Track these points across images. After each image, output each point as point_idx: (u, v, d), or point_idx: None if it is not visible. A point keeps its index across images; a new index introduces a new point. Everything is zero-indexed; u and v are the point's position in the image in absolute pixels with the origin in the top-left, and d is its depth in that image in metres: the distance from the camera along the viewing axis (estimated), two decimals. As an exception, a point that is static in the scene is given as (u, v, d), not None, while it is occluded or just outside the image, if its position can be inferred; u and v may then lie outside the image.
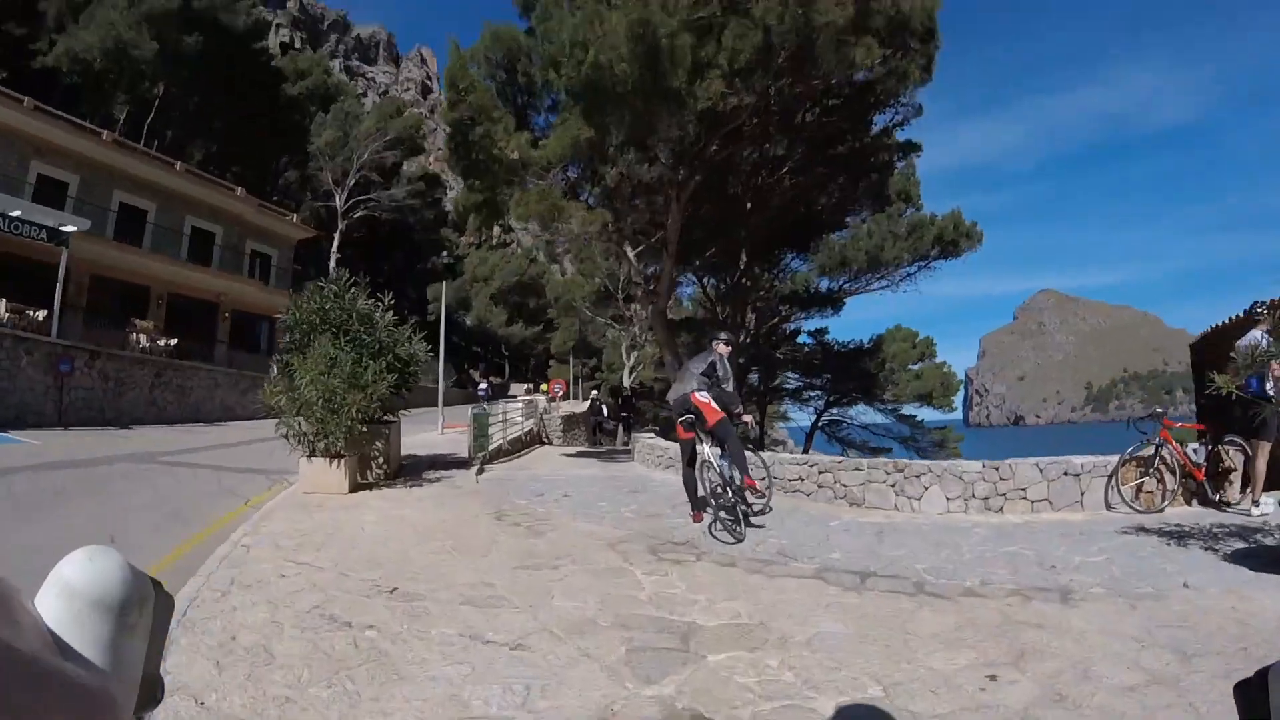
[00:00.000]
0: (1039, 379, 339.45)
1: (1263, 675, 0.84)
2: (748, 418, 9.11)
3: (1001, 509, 8.87)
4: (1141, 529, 7.76)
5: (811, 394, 36.81)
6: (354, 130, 49.71)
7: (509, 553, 6.95)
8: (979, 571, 6.11)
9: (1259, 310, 8.96)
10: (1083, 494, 9.02)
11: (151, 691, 0.70)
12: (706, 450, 8.11)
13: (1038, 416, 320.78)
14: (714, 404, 8.04)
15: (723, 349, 8.63)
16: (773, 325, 29.70)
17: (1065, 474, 9.02)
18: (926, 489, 9.14)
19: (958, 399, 37.66)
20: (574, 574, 6.16)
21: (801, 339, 33.94)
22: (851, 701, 3.66)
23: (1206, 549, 6.71)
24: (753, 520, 8.36)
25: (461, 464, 14.01)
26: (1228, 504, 8.98)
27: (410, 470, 12.95)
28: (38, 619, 0.59)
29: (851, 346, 32.83)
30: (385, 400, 11.23)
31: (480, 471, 13.39)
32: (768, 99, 13.48)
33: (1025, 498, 8.95)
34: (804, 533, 8.00)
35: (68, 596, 0.63)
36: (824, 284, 28.48)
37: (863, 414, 36.56)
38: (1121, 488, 8.93)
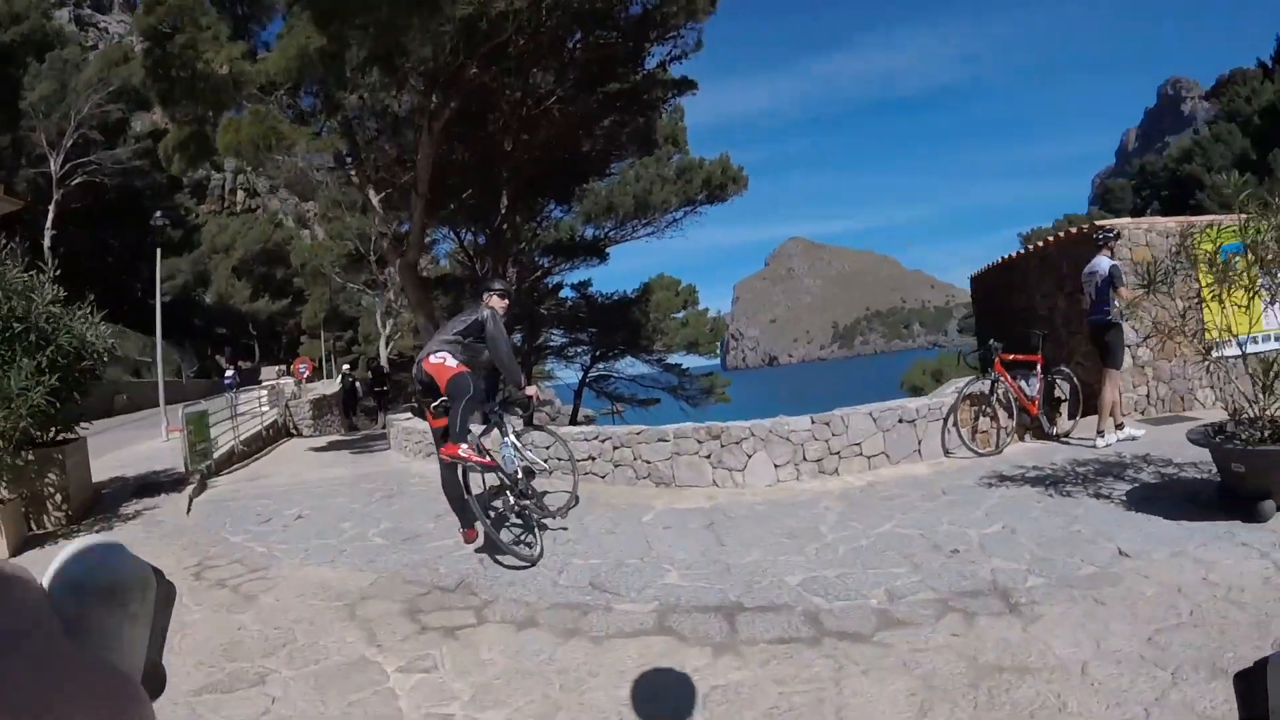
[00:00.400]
0: (790, 321, 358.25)
1: (1262, 665, 0.85)
2: (532, 390, 6.85)
3: (837, 470, 7.66)
4: (1001, 477, 6.97)
5: (578, 350, 35.89)
6: (74, 82, 41.81)
7: (196, 654, 4.32)
8: (875, 578, 4.61)
9: (1100, 236, 8.31)
10: (920, 442, 8.07)
11: (154, 680, 0.69)
12: (482, 437, 6.25)
13: (790, 356, 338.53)
14: (449, 361, 5.78)
15: (497, 303, 6.38)
16: (535, 279, 28.22)
17: (901, 421, 7.98)
18: (750, 456, 7.64)
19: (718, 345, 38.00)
20: (289, 690, 3.77)
21: (565, 293, 32.86)
22: None
23: (1093, 495, 5.93)
24: (546, 522, 6.53)
25: (180, 482, 10.73)
26: (1063, 436, 8.61)
27: (108, 503, 9.46)
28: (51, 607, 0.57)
29: (617, 298, 32.01)
30: (41, 413, 7.75)
31: (198, 492, 10.29)
32: (539, 13, 11.62)
33: (861, 453, 7.79)
34: (615, 540, 6.10)
35: (70, 586, 0.63)
36: (589, 232, 27.08)
37: (630, 366, 35.98)
38: (960, 429, 8.20)
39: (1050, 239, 11.33)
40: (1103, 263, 8.00)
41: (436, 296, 19.99)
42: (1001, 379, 8.46)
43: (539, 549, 5.63)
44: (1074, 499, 5.92)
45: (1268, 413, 5.12)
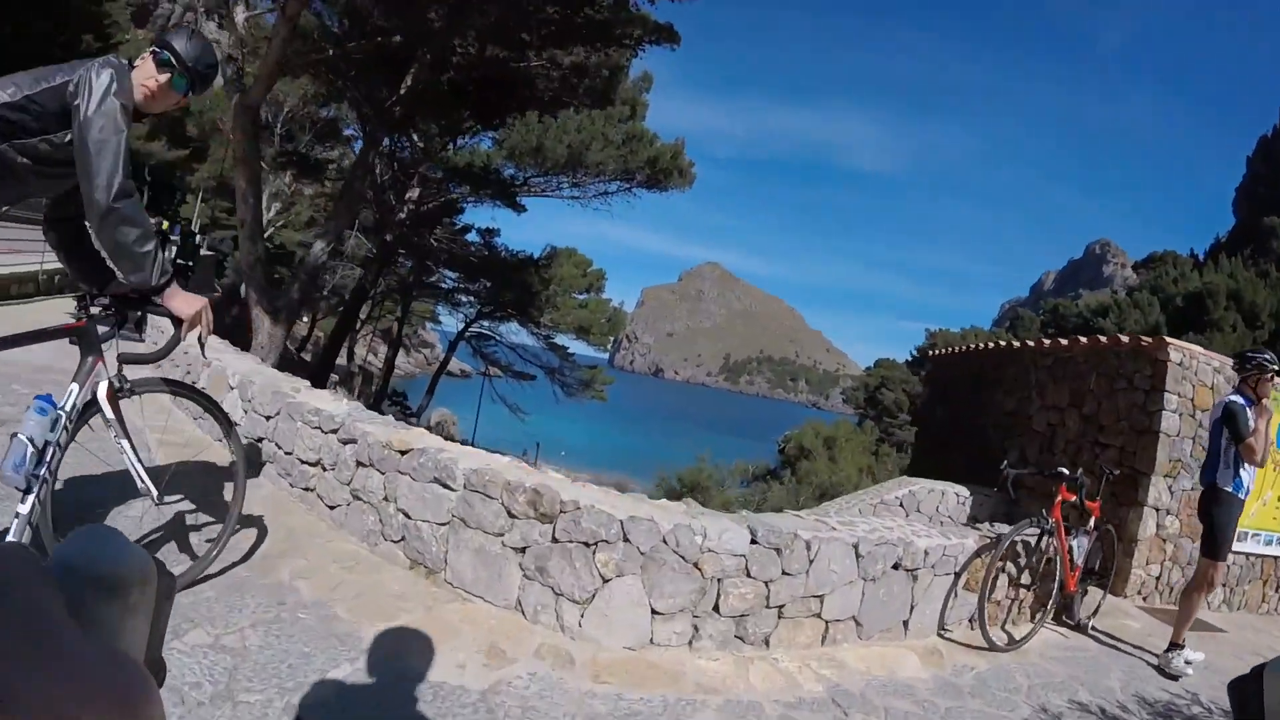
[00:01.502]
0: (686, 339, 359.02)
1: (1258, 672, 0.89)
2: (189, 306, 2.92)
3: (768, 640, 4.04)
4: (1044, 712, 4.08)
5: (466, 299, 32.94)
6: None
7: None
8: None
9: (1251, 362, 5.43)
10: (913, 608, 4.68)
11: (154, 674, 0.65)
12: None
13: (676, 373, 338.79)
14: None
15: (146, 76, 2.85)
16: (436, 206, 24.93)
17: (898, 568, 4.52)
18: (608, 581, 3.74)
19: (611, 339, 35.57)
20: None
21: (471, 237, 29.74)
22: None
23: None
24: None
25: None
26: (1091, 625, 5.80)
27: None
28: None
29: (521, 256, 29.07)
30: None
31: None
32: None
33: (818, 613, 4.21)
34: None
35: (67, 574, 0.60)
36: (508, 171, 23.32)
37: (515, 333, 33.41)
38: (968, 596, 5.00)
39: (1074, 339, 8.81)
40: (1236, 401, 5.31)
41: (297, 178, 16.50)
42: (1056, 530, 5.30)
43: None
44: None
45: None
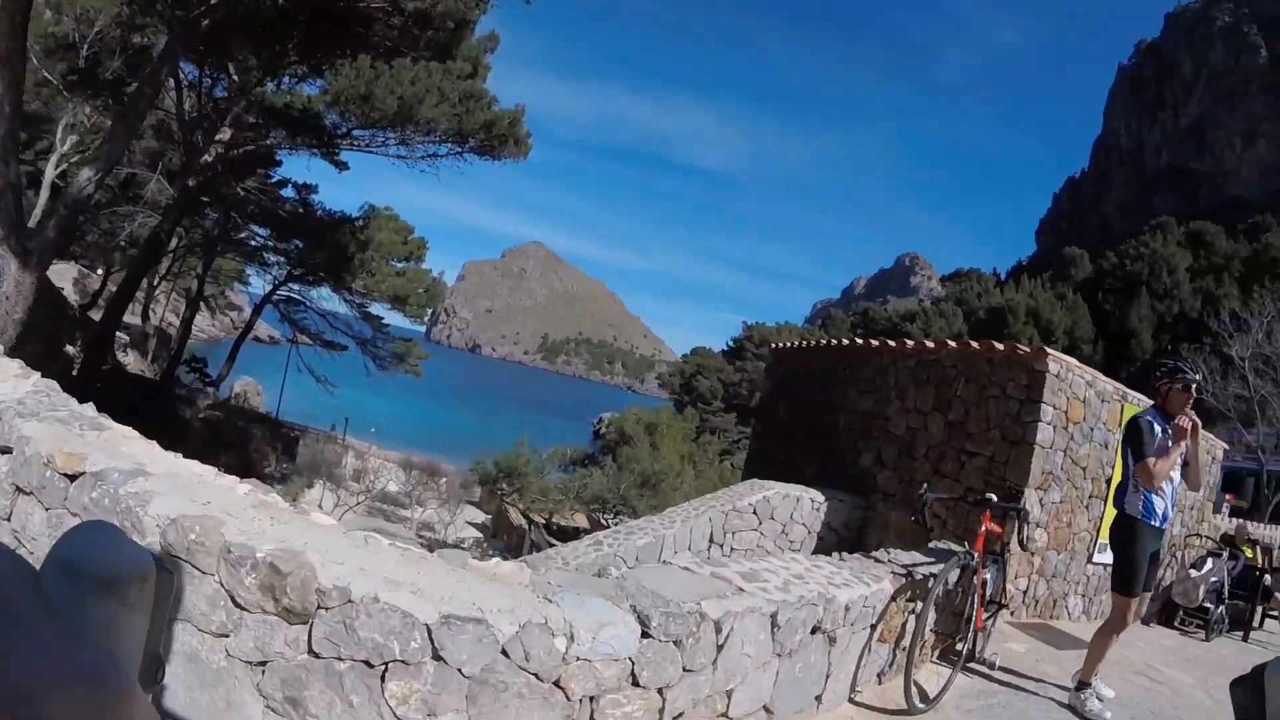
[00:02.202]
0: (506, 316, 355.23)
1: (1259, 672, 0.93)
2: None
3: None
4: None
5: (275, 259, 30.53)
6: None
7: None
8: None
9: (1174, 375, 4.74)
10: (828, 677, 3.75)
11: (153, 671, 0.68)
12: None
13: (493, 350, 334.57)
14: None
15: None
16: (253, 153, 22.58)
17: (817, 632, 3.56)
18: None
19: (428, 312, 34.11)
20: None
21: (286, 192, 27.45)
22: None
23: None
24: None
25: None
26: (987, 662, 5.05)
27: None
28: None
29: (337, 215, 27.00)
30: None
31: None
32: None
33: (725, 715, 3.12)
34: None
35: (68, 573, 0.60)
36: (331, 119, 20.62)
37: (326, 300, 31.39)
38: (880, 649, 4.22)
39: (941, 342, 8.43)
40: (1143, 416, 4.72)
41: (101, 111, 13.77)
42: (977, 563, 4.58)
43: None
44: None
45: None
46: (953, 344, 8.15)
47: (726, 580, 3.35)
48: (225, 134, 20.25)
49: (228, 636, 2.45)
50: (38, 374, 4.13)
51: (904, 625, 4.30)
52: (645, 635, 2.67)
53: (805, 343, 11.53)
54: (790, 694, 3.52)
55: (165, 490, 2.75)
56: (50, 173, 26.80)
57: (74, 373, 19.92)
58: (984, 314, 45.63)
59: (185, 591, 2.48)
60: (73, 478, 2.83)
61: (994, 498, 4.93)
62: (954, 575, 4.53)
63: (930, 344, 8.49)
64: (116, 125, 10.35)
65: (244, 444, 25.50)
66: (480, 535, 26.78)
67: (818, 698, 3.75)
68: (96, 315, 25.19)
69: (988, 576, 4.78)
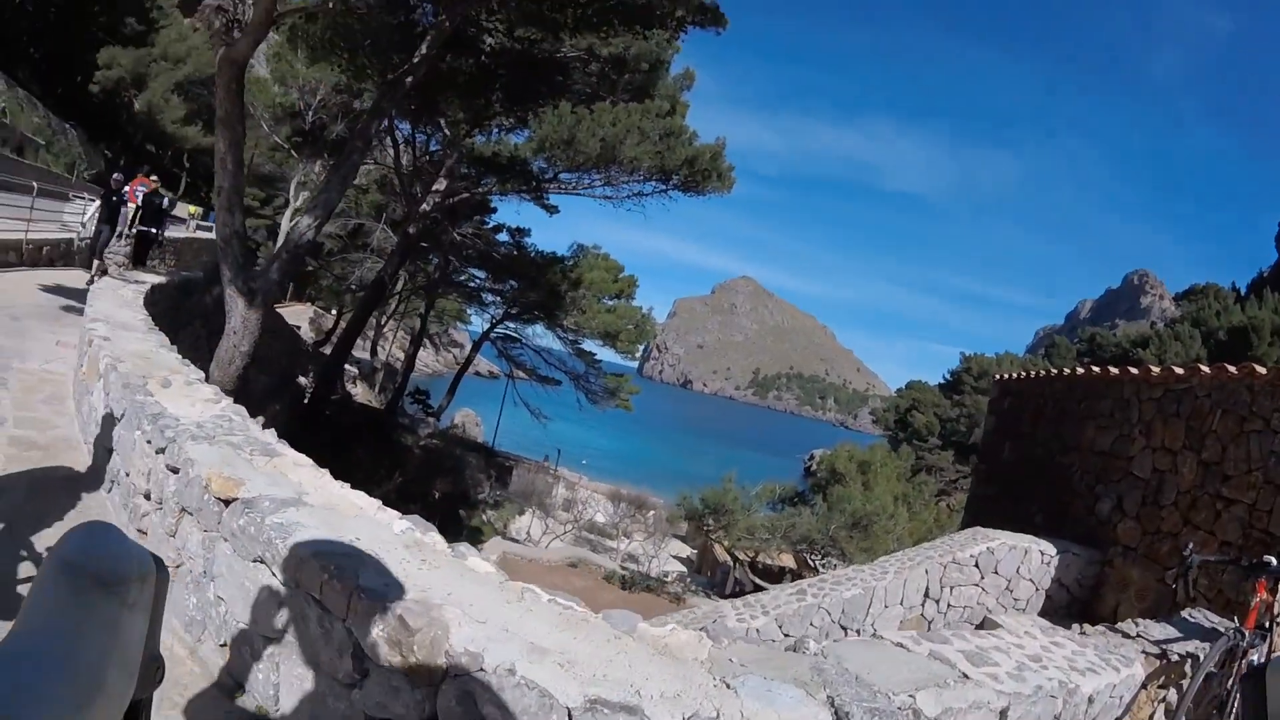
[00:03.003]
0: (716, 352, 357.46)
1: (1262, 670, 1.35)
2: None
3: None
4: None
5: (492, 299, 32.20)
6: None
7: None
8: None
9: None
10: None
11: (153, 670, 0.68)
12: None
13: (705, 385, 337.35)
14: None
15: None
16: (468, 201, 23.93)
17: None
18: None
19: (640, 348, 34.67)
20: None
21: (501, 237, 28.91)
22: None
23: None
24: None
25: None
26: None
27: None
28: None
29: (548, 256, 28.14)
30: None
31: None
32: None
33: None
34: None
35: (69, 573, 0.61)
36: (538, 165, 21.73)
37: (540, 336, 32.76)
38: None
39: (1193, 366, 7.35)
40: None
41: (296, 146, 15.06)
42: (1248, 643, 3.66)
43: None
44: None
45: None
46: (1206, 369, 7.11)
47: (948, 663, 2.84)
48: (441, 184, 21.56)
49: (351, 689, 2.28)
50: (229, 399, 4.31)
51: (1152, 717, 3.63)
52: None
53: (1032, 373, 10.57)
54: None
55: (313, 523, 2.66)
56: (285, 225, 29.72)
57: (305, 401, 21.68)
58: (1224, 334, 41.12)
59: (308, 623, 2.37)
60: (228, 502, 2.79)
61: (1274, 561, 3.99)
62: (1217, 658, 3.68)
63: (1179, 370, 7.49)
64: (331, 176, 11.15)
65: (460, 470, 26.81)
66: (684, 570, 26.72)
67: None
68: (329, 350, 27.40)
69: (1255, 658, 3.79)
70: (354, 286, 30.37)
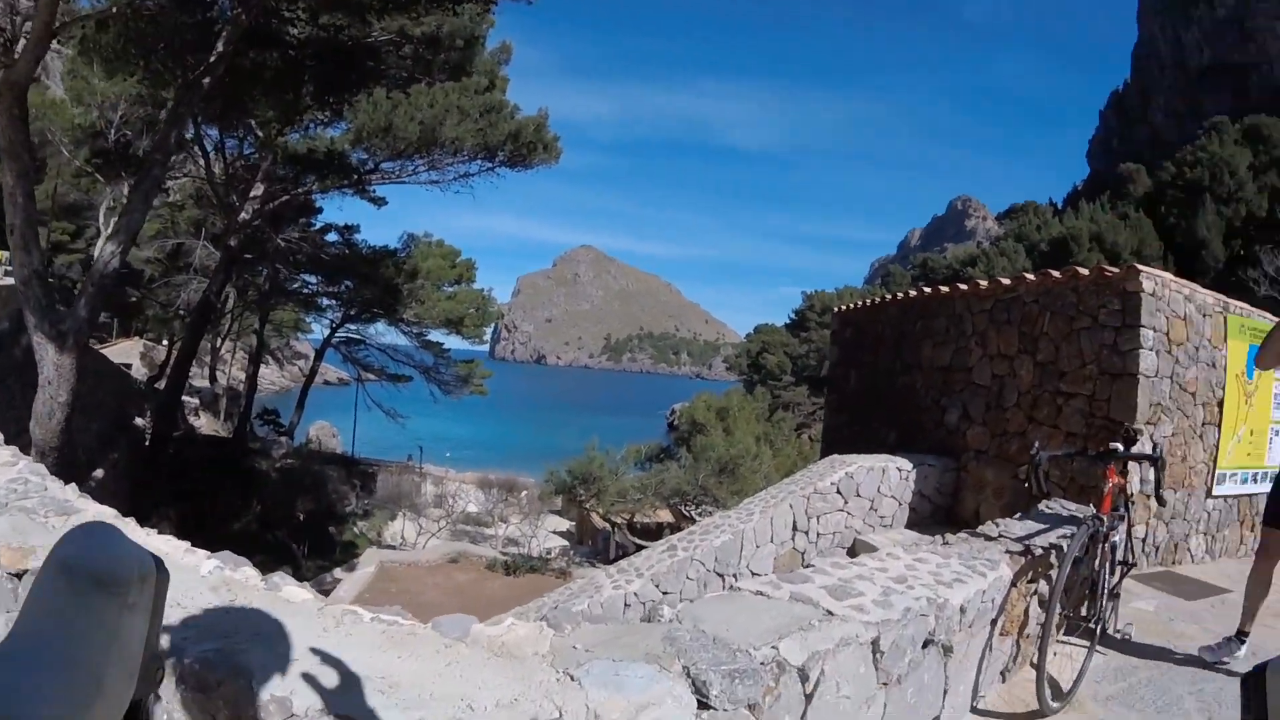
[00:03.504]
0: (565, 324, 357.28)
1: (1262, 669, 0.88)
2: None
3: None
4: None
5: (329, 302, 31.11)
6: None
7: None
8: None
9: None
10: (945, 693, 3.15)
11: (153, 672, 0.68)
12: None
13: (559, 358, 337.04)
14: None
15: None
16: (290, 204, 22.85)
17: (930, 644, 2.98)
18: None
19: (488, 331, 34.32)
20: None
21: (331, 237, 27.85)
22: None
23: None
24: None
25: None
26: (1124, 634, 4.49)
27: None
28: None
29: (379, 250, 27.37)
30: None
31: None
32: None
33: None
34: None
35: (68, 574, 0.61)
36: (357, 156, 21.11)
37: (384, 334, 31.95)
38: (1002, 645, 3.71)
39: (1019, 276, 7.79)
40: None
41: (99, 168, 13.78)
42: (1107, 527, 3.95)
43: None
44: None
45: None
46: (1031, 277, 7.53)
47: (811, 602, 2.77)
48: (259, 189, 20.55)
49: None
50: (26, 459, 3.96)
51: (1027, 611, 3.80)
52: (705, 706, 2.01)
53: (869, 301, 11.02)
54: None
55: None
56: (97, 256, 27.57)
57: (145, 443, 20.42)
58: (1046, 246, 44.08)
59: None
60: (20, 575, 2.44)
61: (1120, 448, 4.29)
62: (1081, 544, 3.89)
63: (1006, 281, 7.91)
64: (133, 196, 10.44)
65: (322, 486, 25.95)
66: (566, 543, 26.83)
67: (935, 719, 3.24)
68: (164, 385, 25.93)
69: (1116, 539, 4.18)
70: (181, 312, 28.62)
